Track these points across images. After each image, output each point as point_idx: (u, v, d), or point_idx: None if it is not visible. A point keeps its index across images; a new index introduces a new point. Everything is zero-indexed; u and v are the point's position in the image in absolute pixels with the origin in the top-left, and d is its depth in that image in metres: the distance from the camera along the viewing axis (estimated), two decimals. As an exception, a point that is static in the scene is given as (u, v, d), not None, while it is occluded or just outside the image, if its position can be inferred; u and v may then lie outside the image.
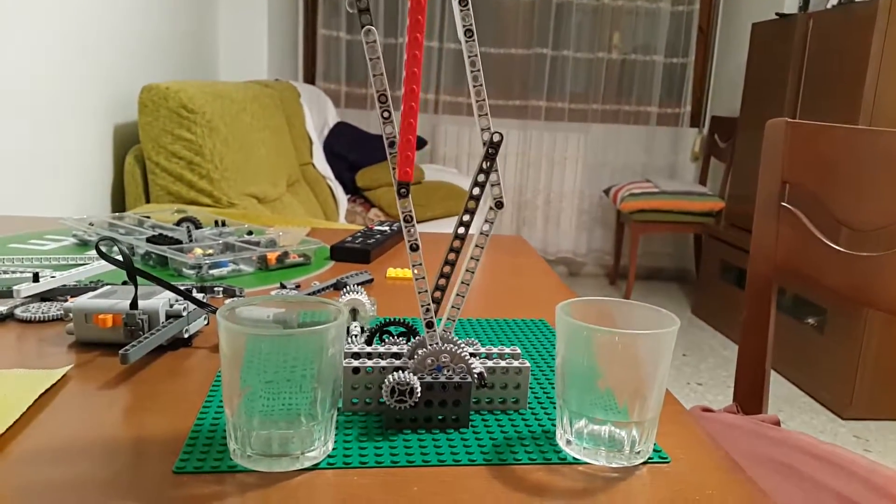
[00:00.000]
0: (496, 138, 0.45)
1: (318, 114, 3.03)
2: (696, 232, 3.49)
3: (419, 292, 0.47)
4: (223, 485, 0.39)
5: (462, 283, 0.48)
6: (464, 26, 0.44)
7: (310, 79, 3.68)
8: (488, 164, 0.45)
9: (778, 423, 1.05)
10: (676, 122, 3.83)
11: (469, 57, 0.44)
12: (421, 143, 3.32)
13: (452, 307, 0.48)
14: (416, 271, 0.47)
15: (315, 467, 0.41)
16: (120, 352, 0.51)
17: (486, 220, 0.47)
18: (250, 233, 0.96)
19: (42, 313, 0.65)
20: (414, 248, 0.46)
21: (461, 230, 0.47)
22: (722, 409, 1.09)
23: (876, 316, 2.17)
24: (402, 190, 0.45)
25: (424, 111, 3.70)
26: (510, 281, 0.84)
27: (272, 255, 0.86)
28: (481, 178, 0.46)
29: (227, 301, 0.71)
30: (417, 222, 1.75)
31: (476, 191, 0.46)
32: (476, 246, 0.48)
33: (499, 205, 0.47)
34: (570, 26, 3.67)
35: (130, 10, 1.95)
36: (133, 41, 1.99)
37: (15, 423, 0.45)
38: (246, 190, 1.88)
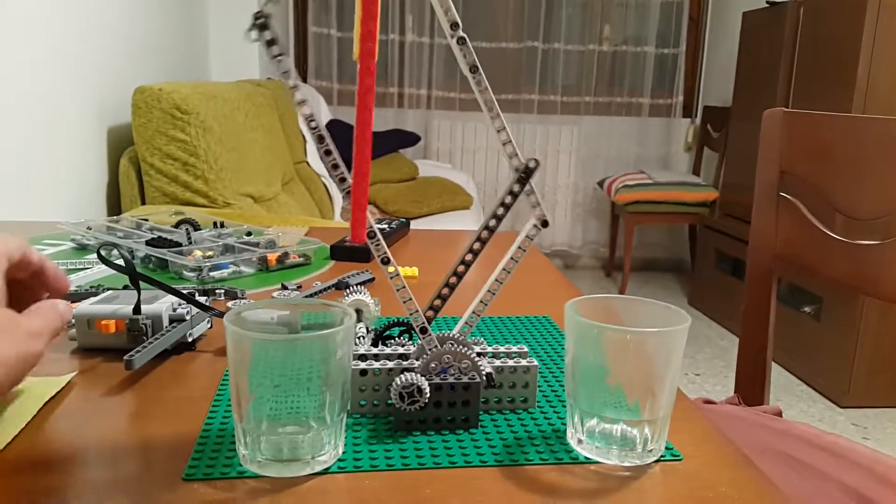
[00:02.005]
0: (532, 165, 0.44)
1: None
2: (691, 222, 3.50)
3: (404, 301, 0.47)
4: (234, 491, 0.39)
5: (489, 291, 0.48)
6: (467, 64, 0.43)
7: (301, 77, 3.66)
8: (519, 187, 0.45)
9: (780, 414, 1.05)
10: (669, 112, 3.84)
11: (480, 91, 0.44)
12: (414, 139, 3.31)
13: (474, 313, 0.48)
14: (394, 283, 0.46)
15: (326, 471, 0.41)
16: (124, 357, 0.51)
17: (527, 237, 0.47)
18: (249, 234, 0.95)
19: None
20: (385, 262, 0.46)
21: (484, 233, 0.47)
22: (723, 400, 1.10)
23: (873, 304, 2.18)
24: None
25: (417, 107, 3.69)
26: (511, 277, 0.84)
27: (272, 256, 0.86)
28: (508, 199, 0.45)
29: (232, 304, 0.70)
30: (412, 219, 1.74)
31: (501, 211, 0.46)
32: (511, 258, 0.48)
33: (544, 224, 0.46)
34: (561, 19, 3.67)
35: (121, 13, 1.94)
36: (125, 43, 1.97)
37: (21, 431, 0.44)
38: (241, 190, 1.87)
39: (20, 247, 0.48)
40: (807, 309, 2.45)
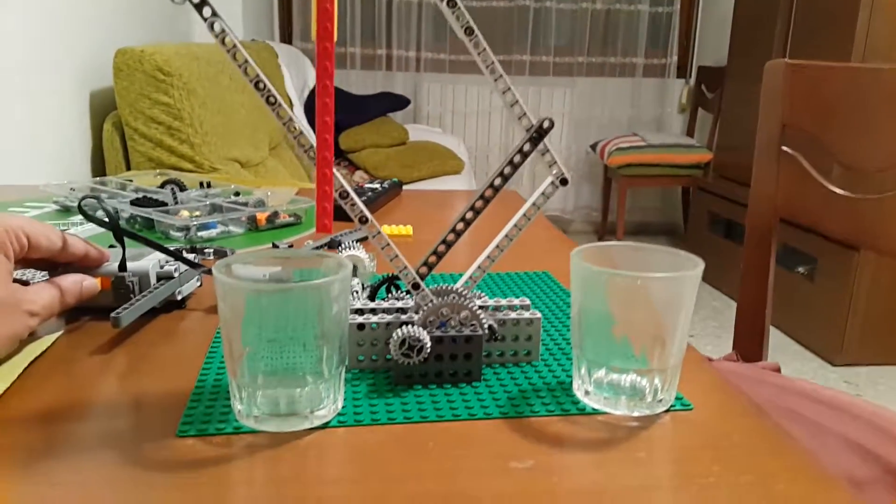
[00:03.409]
0: (546, 125, 0.42)
1: (298, 75, 2.96)
2: (684, 185, 3.49)
3: (390, 259, 0.45)
4: (231, 447, 0.37)
5: (497, 247, 0.46)
6: (461, 26, 0.41)
7: (287, 38, 3.59)
8: (530, 146, 0.42)
9: (778, 370, 1.05)
10: (663, 73, 3.79)
11: (479, 54, 0.41)
12: (404, 102, 3.26)
13: (479, 268, 0.46)
14: (377, 241, 0.44)
15: (325, 426, 0.39)
16: (111, 315, 0.49)
17: (542, 194, 0.45)
18: (237, 193, 0.92)
19: (27, 279, 0.62)
20: (364, 221, 0.44)
21: (488, 191, 0.44)
22: (721, 357, 1.09)
23: (867, 262, 2.18)
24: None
25: (406, 69, 3.63)
26: (493, 226, 0.82)
27: (262, 216, 0.84)
28: (517, 158, 0.43)
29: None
30: (405, 184, 1.71)
31: (507, 170, 0.44)
32: (524, 216, 0.46)
33: (563, 182, 0.44)
34: (553, -22, 3.60)
35: (99, -31, 1.87)
36: (105, 4, 1.91)
37: (5, 391, 0.42)
38: (228, 154, 1.83)
39: (20, 227, 0.48)
40: (801, 269, 2.45)
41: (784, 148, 1.00)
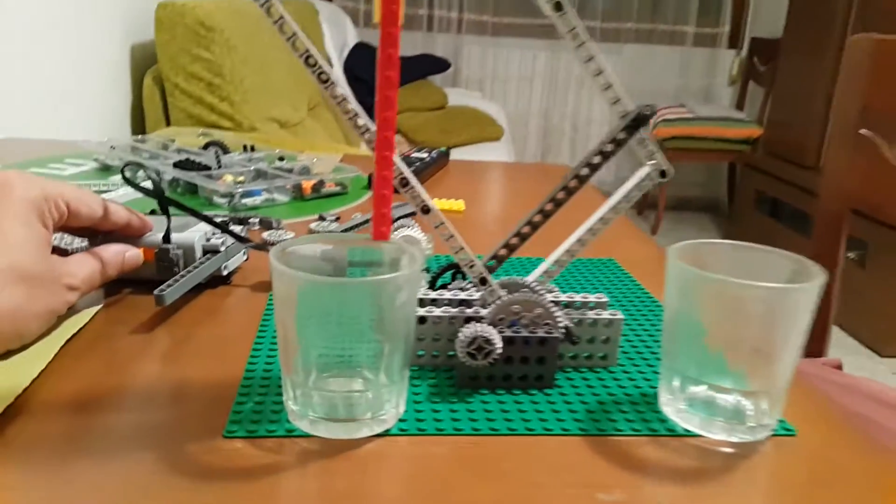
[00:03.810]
0: (647, 112, 0.37)
1: (338, 33, 2.89)
2: (731, 160, 3.37)
3: (454, 251, 0.41)
4: (282, 453, 0.34)
5: (578, 241, 0.42)
6: (548, 1, 0.35)
7: (328, -5, 3.51)
8: (625, 135, 0.37)
9: (840, 367, 0.99)
10: (714, 42, 3.64)
11: (568, 32, 0.36)
12: (444, 65, 3.18)
13: (557, 263, 0.42)
14: (440, 231, 0.40)
15: (386, 433, 0.36)
16: (154, 293, 0.46)
17: (636, 186, 0.40)
18: (282, 158, 0.88)
19: (65, 245, 0.59)
20: (426, 211, 0.39)
21: (573, 182, 0.40)
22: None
23: (923, 251, 2.09)
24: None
25: (447, 31, 3.54)
26: (564, 214, 0.77)
27: (307, 184, 0.80)
28: (610, 147, 0.38)
29: (267, 235, 0.65)
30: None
31: (597, 159, 0.39)
32: (612, 208, 0.41)
33: (663, 174, 0.39)
34: (605, -62, 3.45)
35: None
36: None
37: (41, 373, 0.39)
38: (267, 114, 1.79)
39: (59, 194, 0.45)
40: (851, 255, 2.35)
41: (863, 131, 0.93)
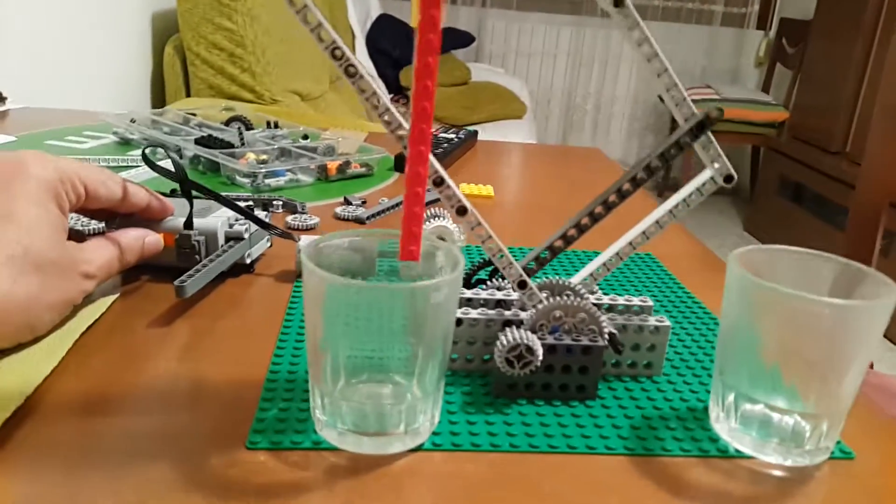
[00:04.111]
0: (714, 114, 0.34)
1: (361, 4, 2.84)
2: (756, 143, 3.30)
3: (492, 255, 0.38)
4: (309, 468, 0.32)
5: (629, 244, 0.39)
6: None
7: (351, -35, 3.44)
8: (689, 139, 0.34)
9: (871, 365, 0.96)
10: (742, 22, 3.56)
11: (629, 28, 0.33)
12: (467, 39, 3.12)
13: (604, 266, 0.39)
14: (476, 233, 0.37)
15: (419, 448, 0.34)
16: (175, 284, 0.44)
17: (697, 190, 0.37)
18: (306, 137, 0.86)
19: (82, 226, 0.57)
20: (462, 212, 0.37)
21: (627, 185, 0.37)
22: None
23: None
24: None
25: (471, 4, 3.47)
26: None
27: (332, 165, 0.77)
28: (673, 151, 0.35)
29: (291, 219, 0.62)
30: (463, 126, 1.64)
31: (655, 163, 0.36)
32: (669, 212, 0.38)
33: (727, 179, 0.36)
34: (635, -88, 3.35)
35: None
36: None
37: (54, 369, 0.37)
38: (289, 86, 1.76)
39: (76, 175, 0.42)
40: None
41: (911, 123, 0.89)
